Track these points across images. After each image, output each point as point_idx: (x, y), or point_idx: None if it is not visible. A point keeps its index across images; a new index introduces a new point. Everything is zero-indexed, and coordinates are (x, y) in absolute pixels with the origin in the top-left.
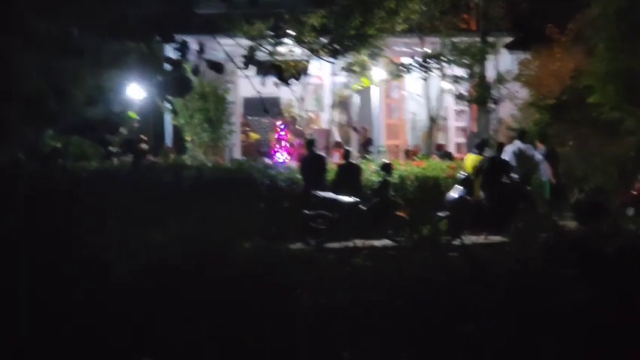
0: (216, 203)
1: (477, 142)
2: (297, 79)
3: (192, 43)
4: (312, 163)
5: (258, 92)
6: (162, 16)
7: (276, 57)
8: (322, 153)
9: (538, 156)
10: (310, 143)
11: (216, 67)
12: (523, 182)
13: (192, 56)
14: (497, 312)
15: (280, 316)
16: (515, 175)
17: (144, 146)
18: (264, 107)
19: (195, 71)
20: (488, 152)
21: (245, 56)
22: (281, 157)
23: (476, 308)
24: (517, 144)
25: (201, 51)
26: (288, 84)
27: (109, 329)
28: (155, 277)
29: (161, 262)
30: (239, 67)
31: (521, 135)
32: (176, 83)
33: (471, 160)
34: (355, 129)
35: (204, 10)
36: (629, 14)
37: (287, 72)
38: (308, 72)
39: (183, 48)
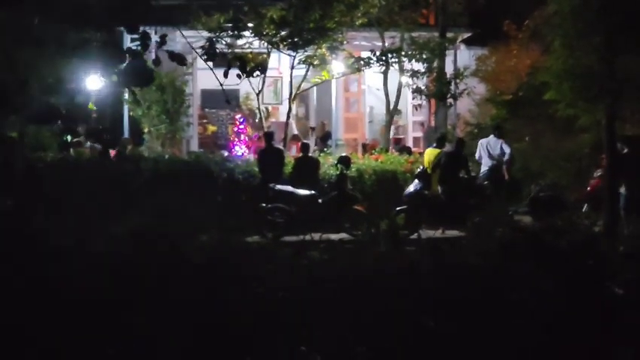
0: (174, 195)
1: (438, 137)
2: (261, 72)
3: (152, 35)
4: (270, 156)
5: (220, 84)
6: (124, 6)
7: (236, 49)
8: (280, 146)
9: (507, 151)
10: (268, 136)
11: (178, 58)
12: (490, 176)
13: (152, 47)
14: (456, 305)
15: (237, 308)
16: (485, 168)
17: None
18: (225, 98)
19: (157, 61)
20: (447, 147)
21: (203, 47)
22: (239, 150)
23: (434, 302)
24: (490, 138)
25: (162, 42)
26: (252, 76)
27: (63, 319)
28: (111, 268)
29: (117, 254)
30: (202, 58)
31: (495, 129)
32: (137, 73)
33: (429, 154)
34: (312, 128)
35: (162, 2)
36: (585, 12)
37: (249, 64)
38: (267, 65)
39: (144, 39)
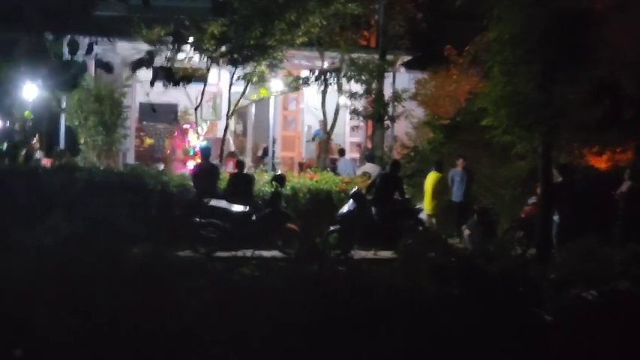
0: (107, 207)
1: (436, 160)
2: (187, 83)
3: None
4: (205, 171)
5: (158, 95)
6: (56, 12)
7: (175, 63)
8: (216, 162)
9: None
10: (205, 152)
11: (105, 66)
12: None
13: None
14: (378, 328)
15: (166, 321)
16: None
17: (36, 145)
18: (152, 107)
19: (83, 68)
20: (374, 168)
21: (142, 59)
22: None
23: (356, 322)
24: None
25: (89, 50)
26: (178, 85)
27: None
28: (41, 277)
29: (49, 263)
30: (132, 70)
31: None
32: (63, 78)
33: (431, 178)
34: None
35: (105, 12)
36: (525, 40)
37: (178, 76)
38: (207, 80)
39: (72, 46)
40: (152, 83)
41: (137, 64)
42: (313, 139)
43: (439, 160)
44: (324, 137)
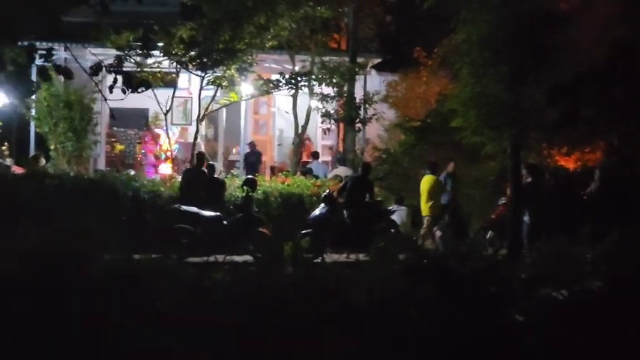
0: (77, 213)
1: (431, 162)
2: (146, 88)
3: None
4: (196, 177)
5: (122, 99)
6: (8, 19)
7: (145, 68)
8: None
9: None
10: (199, 157)
11: (64, 72)
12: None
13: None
14: (350, 331)
15: (138, 328)
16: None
17: (5, 153)
18: (111, 113)
19: (43, 74)
20: (345, 171)
21: (111, 65)
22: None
23: (327, 326)
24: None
25: (47, 56)
26: (138, 91)
27: None
28: (7, 283)
29: (12, 270)
30: (87, 73)
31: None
32: (20, 85)
33: (426, 181)
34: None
35: (72, 18)
36: (492, 41)
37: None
38: (177, 85)
39: (29, 52)
40: (111, 89)
41: (96, 69)
42: (293, 143)
43: (434, 162)
44: (296, 140)
